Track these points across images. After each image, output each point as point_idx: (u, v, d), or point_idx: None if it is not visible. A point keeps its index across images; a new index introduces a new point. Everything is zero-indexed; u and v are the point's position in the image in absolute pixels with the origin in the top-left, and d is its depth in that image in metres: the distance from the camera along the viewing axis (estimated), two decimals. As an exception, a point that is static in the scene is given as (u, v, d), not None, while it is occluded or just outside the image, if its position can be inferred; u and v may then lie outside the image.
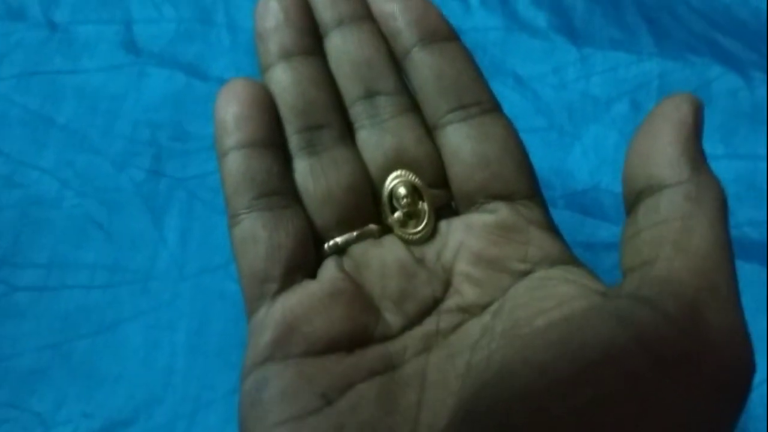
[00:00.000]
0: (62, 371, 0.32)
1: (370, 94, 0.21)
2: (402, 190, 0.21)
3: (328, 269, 0.20)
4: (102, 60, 0.37)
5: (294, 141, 0.21)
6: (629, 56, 0.37)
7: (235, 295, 0.33)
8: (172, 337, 0.32)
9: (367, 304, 0.20)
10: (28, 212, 0.34)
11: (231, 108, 0.20)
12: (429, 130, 0.21)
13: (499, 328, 0.18)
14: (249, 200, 0.20)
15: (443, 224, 0.21)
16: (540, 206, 0.21)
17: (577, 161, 0.35)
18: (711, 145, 0.35)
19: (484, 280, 0.20)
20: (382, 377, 0.19)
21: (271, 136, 0.21)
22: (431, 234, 0.21)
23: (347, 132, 0.22)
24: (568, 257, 0.20)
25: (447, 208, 0.21)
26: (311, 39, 0.22)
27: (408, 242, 0.21)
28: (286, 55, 0.21)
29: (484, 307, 0.19)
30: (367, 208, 0.21)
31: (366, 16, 0.22)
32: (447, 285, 0.20)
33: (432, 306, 0.20)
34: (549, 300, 0.18)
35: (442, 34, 0.21)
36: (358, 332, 0.19)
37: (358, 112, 0.22)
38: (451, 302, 0.20)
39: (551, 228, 0.21)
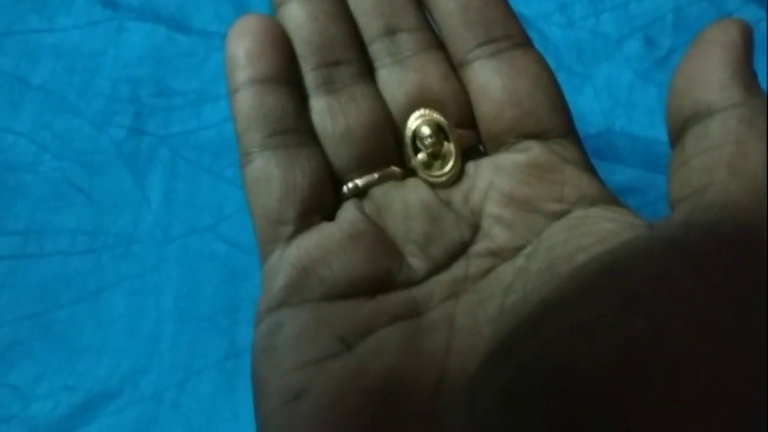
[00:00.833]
0: (42, 343, 0.30)
1: (390, 31, 0.20)
2: (426, 130, 0.19)
3: (348, 211, 0.19)
4: (79, 17, 0.35)
5: (310, 78, 0.20)
6: (641, -9, 0.35)
7: (225, 257, 0.31)
8: (158, 303, 0.30)
9: (390, 248, 0.18)
10: (3, 178, 0.32)
11: (242, 43, 0.19)
12: (454, 68, 0.20)
13: (534, 269, 0.17)
14: (262, 138, 0.19)
15: (470, 166, 0.20)
16: (575, 145, 0.19)
17: (589, 103, 0.33)
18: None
19: (516, 222, 0.18)
20: (405, 323, 0.17)
21: (286, 73, 0.19)
22: (458, 176, 0.19)
23: (367, 70, 0.20)
24: (608, 197, 0.18)
25: (474, 150, 0.20)
26: None
27: (433, 185, 0.19)
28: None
29: (516, 251, 0.18)
30: (388, 149, 0.20)
31: None
32: (476, 228, 0.19)
33: (460, 250, 0.19)
34: (589, 237, 0.16)
35: None
36: (380, 277, 0.18)
37: (378, 49, 0.20)
38: (480, 246, 0.18)
39: (588, 167, 0.19)
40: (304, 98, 0.20)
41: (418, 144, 0.20)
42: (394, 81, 0.20)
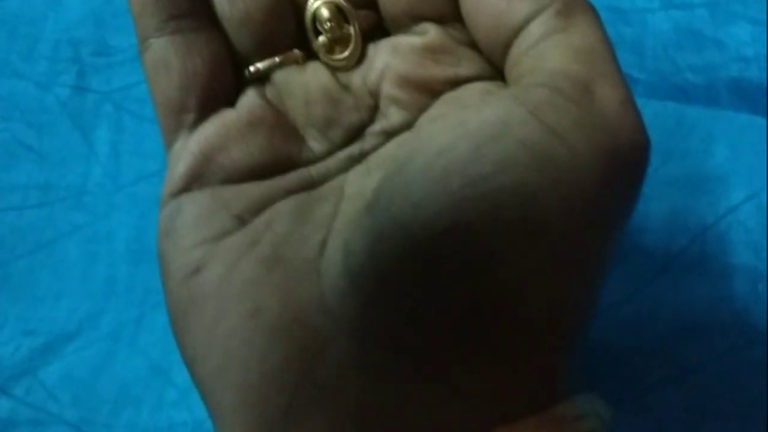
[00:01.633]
0: (1, 294, 0.31)
1: None
2: (325, 12, 0.19)
3: (248, 97, 0.19)
4: (17, -15, 0.36)
5: None
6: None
7: (172, 201, 0.32)
8: (111, 248, 0.31)
9: (290, 132, 0.19)
10: (-46, 142, 0.33)
11: None
12: None
13: (410, 137, 0.18)
14: (158, 22, 0.18)
15: (371, 48, 0.19)
16: None
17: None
18: None
19: (411, 102, 0.19)
20: (299, 195, 0.18)
21: None
22: (359, 60, 0.19)
23: None
24: (499, 76, 0.19)
25: (378, 30, 0.20)
26: None
27: (334, 68, 0.20)
28: None
29: (406, 127, 0.19)
30: (289, 31, 0.20)
31: None
32: (374, 110, 0.19)
33: (357, 132, 0.19)
34: (457, 104, 0.18)
35: None
36: (281, 161, 0.19)
37: None
38: (376, 126, 0.19)
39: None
40: None
41: (318, 27, 0.19)
42: None
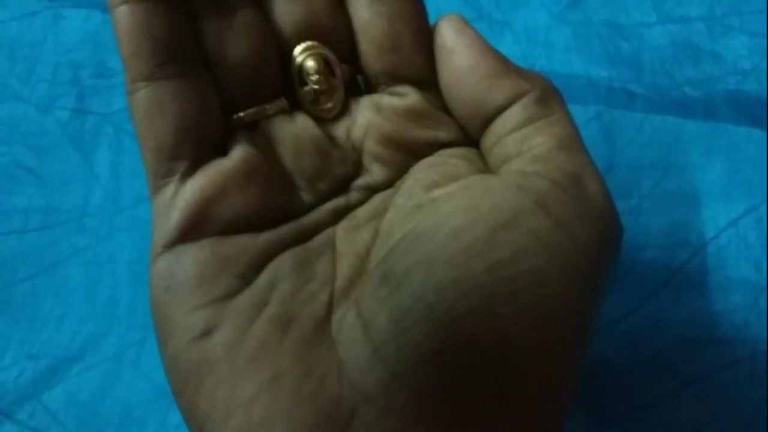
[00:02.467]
0: (3, 317, 0.31)
1: None
2: (312, 64, 0.19)
3: (241, 146, 0.19)
4: (16, 9, 0.36)
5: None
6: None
7: (173, 222, 0.32)
8: (113, 270, 0.31)
9: (283, 182, 0.19)
10: (-45, 167, 0.33)
11: None
12: (341, 3, 0.20)
13: (400, 201, 0.19)
14: (152, 67, 0.18)
15: (351, 102, 0.20)
16: None
17: (509, 48, 0.34)
18: (643, 14, 0.34)
19: (393, 161, 0.20)
20: (295, 249, 0.18)
21: None
22: (342, 111, 0.20)
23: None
24: (473, 142, 0.20)
25: (353, 83, 0.21)
26: None
27: (318, 119, 0.20)
28: None
29: (389, 185, 0.20)
30: (277, 80, 0.20)
31: None
32: (359, 165, 0.20)
33: (344, 184, 0.20)
34: (444, 176, 0.19)
35: None
36: (275, 211, 0.19)
37: None
38: (361, 180, 0.20)
39: None
40: (193, 17, 0.19)
41: (304, 77, 0.20)
42: (282, 11, 0.20)
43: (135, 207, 0.32)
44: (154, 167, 0.19)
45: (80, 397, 0.30)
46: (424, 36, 0.20)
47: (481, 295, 0.16)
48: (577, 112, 0.33)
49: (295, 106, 0.20)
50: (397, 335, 0.16)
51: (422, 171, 0.19)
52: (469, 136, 0.20)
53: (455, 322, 0.16)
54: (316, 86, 0.20)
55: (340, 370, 0.16)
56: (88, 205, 0.32)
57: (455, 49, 0.19)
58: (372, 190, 0.20)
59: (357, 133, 0.20)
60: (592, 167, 0.18)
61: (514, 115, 0.18)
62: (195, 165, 0.18)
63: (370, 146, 0.20)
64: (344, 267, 0.18)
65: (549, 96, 0.18)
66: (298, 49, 0.20)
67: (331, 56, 0.20)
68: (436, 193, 0.18)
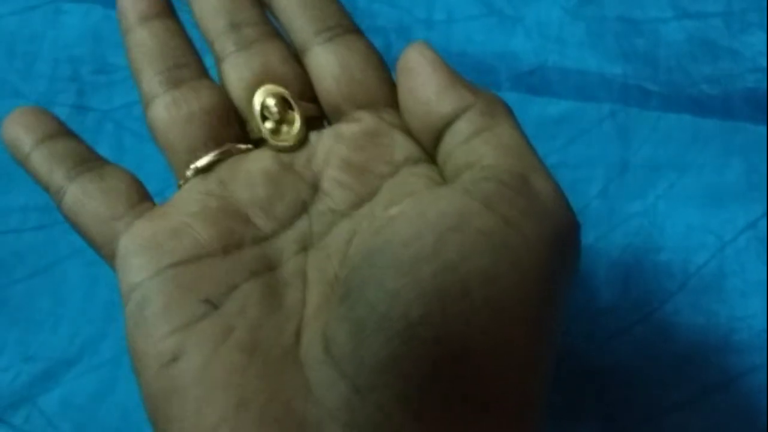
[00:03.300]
0: (0, 318, 0.30)
1: (233, 26, 0.22)
2: (271, 100, 0.21)
3: (191, 189, 0.20)
4: (15, 3, 0.35)
5: (155, 83, 0.21)
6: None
7: (174, 221, 0.31)
8: (111, 271, 0.30)
9: (233, 213, 0.20)
10: (-48, 164, 0.33)
11: (20, 125, 0.22)
12: (296, 56, 0.22)
13: (365, 224, 0.19)
14: (66, 171, 0.21)
15: (314, 135, 0.21)
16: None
17: (521, 43, 0.34)
18: (659, 9, 0.33)
19: (353, 183, 0.20)
20: (263, 277, 0.19)
21: (66, 131, 0.22)
22: (303, 141, 0.21)
23: (208, 73, 0.22)
24: (428, 157, 0.21)
25: (318, 122, 0.22)
26: (166, 7, 0.23)
27: (280, 150, 0.21)
28: (144, 20, 0.22)
29: (354, 208, 0.20)
30: (232, 128, 0.21)
31: None
32: (315, 188, 0.20)
33: (301, 208, 0.20)
34: (401, 195, 0.19)
35: None
36: (227, 235, 0.19)
37: (222, 42, 0.22)
38: (321, 205, 0.20)
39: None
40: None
41: (266, 114, 0.21)
42: (239, 63, 0.21)
43: (135, 206, 0.31)
44: (99, 236, 0.20)
45: (77, 401, 0.29)
46: (376, 64, 0.21)
47: (431, 299, 0.16)
48: (591, 109, 0.32)
49: (259, 145, 0.22)
50: (355, 348, 0.16)
51: (386, 192, 0.20)
52: (427, 152, 0.21)
53: (408, 330, 0.16)
54: (276, 117, 0.21)
55: (307, 391, 0.17)
56: (87, 203, 0.32)
57: (413, 68, 0.19)
58: (333, 213, 0.20)
59: (318, 161, 0.21)
60: (541, 167, 0.18)
61: (461, 127, 0.19)
62: (136, 218, 0.20)
63: (331, 172, 0.20)
64: (314, 295, 0.19)
65: (494, 107, 0.19)
66: (258, 92, 0.21)
67: (288, 93, 0.21)
68: (393, 211, 0.18)
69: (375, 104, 0.21)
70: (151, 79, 0.21)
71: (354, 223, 0.20)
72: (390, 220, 0.18)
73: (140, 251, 0.19)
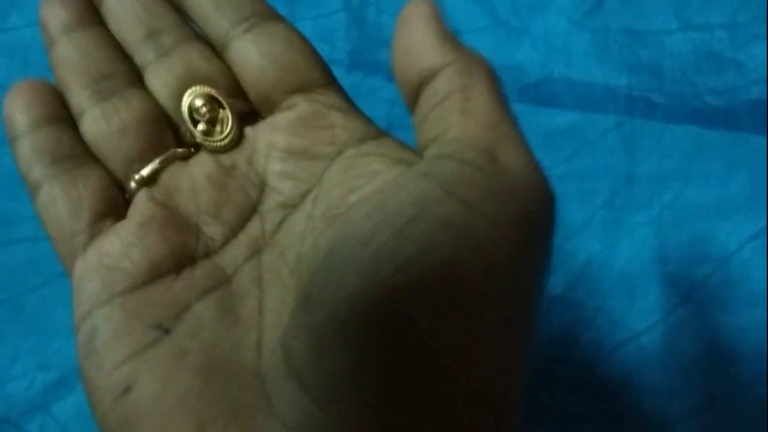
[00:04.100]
0: (14, 326, 0.31)
1: (152, 34, 0.21)
2: (199, 101, 0.20)
3: (138, 203, 0.20)
4: (31, 16, 0.36)
5: (82, 96, 0.21)
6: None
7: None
8: (124, 280, 0.31)
9: (183, 224, 0.19)
10: (-33, 174, 0.33)
11: (17, 102, 0.20)
12: (217, 54, 0.21)
13: (318, 213, 0.18)
14: (42, 169, 0.20)
15: (249, 130, 0.21)
16: (337, 92, 0.21)
17: (527, 55, 0.34)
18: (664, 20, 0.34)
19: (298, 171, 0.19)
20: (217, 292, 0.18)
21: (58, 114, 0.21)
22: (238, 139, 0.21)
23: (136, 78, 0.21)
24: (375, 133, 0.20)
25: (251, 116, 0.21)
26: (89, 14, 0.22)
27: (216, 151, 0.20)
28: (68, 31, 0.21)
29: (303, 197, 0.19)
30: (167, 136, 0.21)
31: None
32: (261, 186, 0.20)
33: (251, 209, 0.20)
34: (360, 177, 0.18)
35: None
36: (179, 252, 0.19)
37: (143, 52, 0.21)
38: (270, 202, 0.20)
39: (353, 110, 0.21)
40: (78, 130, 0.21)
41: (196, 116, 0.21)
42: (162, 70, 0.21)
43: (147, 216, 0.32)
44: (61, 249, 0.20)
45: (90, 408, 0.29)
46: (300, 45, 0.21)
47: (392, 301, 0.15)
48: (596, 121, 0.32)
49: (198, 148, 0.21)
50: (315, 360, 0.15)
51: (336, 176, 0.19)
52: (411, 111, 0.19)
53: (368, 335, 0.15)
54: (206, 117, 0.20)
55: (268, 408, 0.16)
56: (100, 213, 0.32)
57: (406, 19, 0.19)
58: (284, 207, 0.19)
59: (259, 157, 0.20)
60: (513, 134, 0.17)
61: (437, 86, 0.18)
62: (94, 236, 0.19)
63: (273, 166, 0.20)
64: (272, 301, 0.18)
65: (473, 67, 0.18)
66: (185, 95, 0.21)
67: (215, 92, 0.21)
68: (352, 198, 0.18)
69: (306, 87, 0.20)
70: (78, 94, 0.21)
71: (305, 213, 0.19)
72: (348, 210, 0.17)
73: (94, 278, 0.18)
